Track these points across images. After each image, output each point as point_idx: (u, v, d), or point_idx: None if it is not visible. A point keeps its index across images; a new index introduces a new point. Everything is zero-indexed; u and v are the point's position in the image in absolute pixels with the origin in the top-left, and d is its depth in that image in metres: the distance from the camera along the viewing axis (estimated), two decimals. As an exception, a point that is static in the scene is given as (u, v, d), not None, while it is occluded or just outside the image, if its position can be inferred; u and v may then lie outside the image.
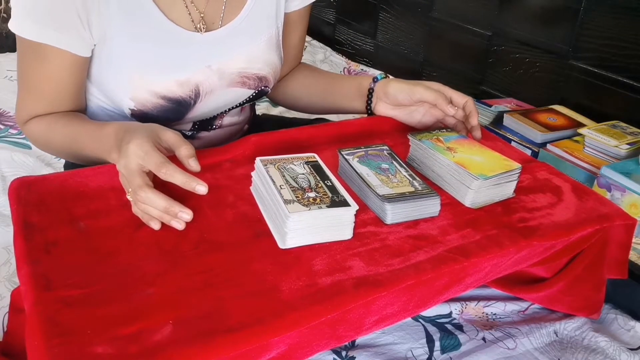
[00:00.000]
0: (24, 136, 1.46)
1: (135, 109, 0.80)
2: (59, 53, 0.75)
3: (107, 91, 0.82)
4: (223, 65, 0.84)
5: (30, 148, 1.42)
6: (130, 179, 0.65)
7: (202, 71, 0.82)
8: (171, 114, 0.82)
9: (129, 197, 0.67)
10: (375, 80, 0.95)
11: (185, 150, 0.66)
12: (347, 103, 0.98)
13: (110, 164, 0.77)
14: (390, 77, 0.98)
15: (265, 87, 0.92)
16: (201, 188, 0.63)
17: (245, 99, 0.92)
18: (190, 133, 0.92)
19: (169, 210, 0.64)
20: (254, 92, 0.91)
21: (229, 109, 0.93)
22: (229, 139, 0.97)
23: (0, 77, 1.83)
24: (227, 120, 0.95)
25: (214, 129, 0.95)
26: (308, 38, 2.43)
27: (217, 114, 0.92)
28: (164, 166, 0.63)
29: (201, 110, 0.86)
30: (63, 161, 1.37)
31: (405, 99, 0.91)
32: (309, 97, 1.01)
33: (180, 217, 0.65)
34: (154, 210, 0.64)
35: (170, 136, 0.67)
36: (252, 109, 1.07)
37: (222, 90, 0.86)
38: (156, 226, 0.66)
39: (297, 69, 1.06)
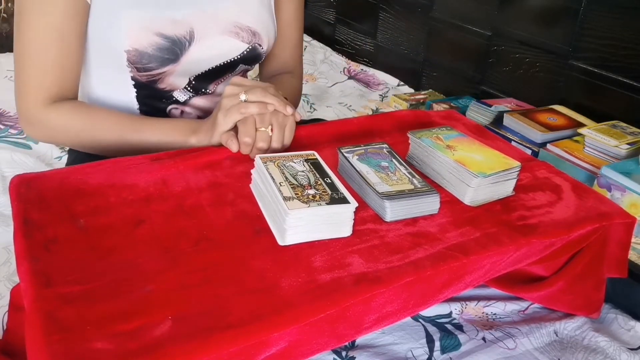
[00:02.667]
0: (24, 136, 1.46)
1: (131, 48, 0.81)
2: None
3: (103, 43, 0.82)
4: (217, 10, 0.86)
5: (30, 148, 1.42)
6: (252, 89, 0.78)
7: (196, 13, 0.84)
8: (166, 52, 0.83)
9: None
10: None
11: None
12: None
13: (110, 161, 0.78)
14: None
15: (259, 44, 0.93)
16: (290, 109, 0.79)
17: (239, 54, 0.92)
18: (186, 96, 0.92)
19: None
20: (248, 48, 0.92)
21: (225, 65, 0.92)
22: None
23: (0, 77, 1.83)
24: (221, 88, 0.95)
25: (209, 93, 0.94)
26: (308, 38, 2.43)
27: (213, 69, 0.91)
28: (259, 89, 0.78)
29: (196, 55, 0.86)
30: (64, 162, 1.38)
31: None
32: None
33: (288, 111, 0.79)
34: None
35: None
36: None
37: (216, 38, 0.87)
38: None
39: (289, 75, 1.06)
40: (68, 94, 0.83)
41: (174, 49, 0.83)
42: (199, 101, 0.94)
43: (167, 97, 0.90)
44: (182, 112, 0.93)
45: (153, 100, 0.90)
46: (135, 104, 0.90)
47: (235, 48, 0.91)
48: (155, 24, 0.81)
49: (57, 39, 0.78)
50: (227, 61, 0.92)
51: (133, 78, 0.85)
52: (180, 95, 0.91)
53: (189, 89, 0.91)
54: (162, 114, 0.92)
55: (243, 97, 0.78)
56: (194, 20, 0.84)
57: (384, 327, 0.72)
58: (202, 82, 0.92)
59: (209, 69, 0.90)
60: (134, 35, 0.80)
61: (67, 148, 1.44)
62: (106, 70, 0.86)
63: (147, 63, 0.82)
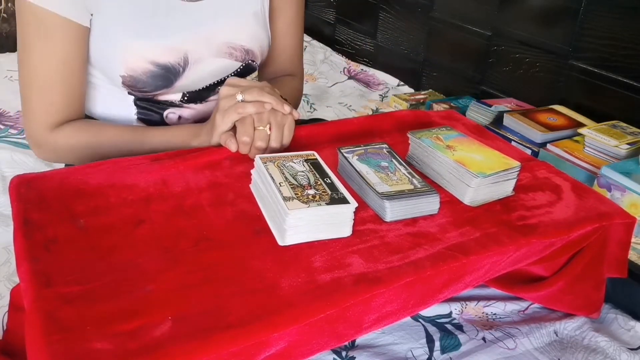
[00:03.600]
0: (23, 136, 1.46)
1: (126, 74, 0.82)
2: (61, 24, 0.77)
3: (99, 63, 0.84)
4: (211, 34, 0.87)
5: (30, 148, 1.41)
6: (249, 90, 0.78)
7: (191, 38, 0.85)
8: (160, 80, 0.84)
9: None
10: None
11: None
12: None
13: (110, 161, 0.78)
14: None
15: (252, 61, 0.94)
16: (287, 108, 0.79)
17: (233, 72, 0.93)
18: (179, 102, 0.92)
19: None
20: (242, 65, 0.93)
21: (219, 82, 0.93)
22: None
23: (0, 77, 1.83)
24: (216, 96, 0.96)
25: (205, 102, 0.95)
26: (308, 38, 2.43)
27: (207, 86, 0.92)
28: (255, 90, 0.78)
29: (190, 78, 0.87)
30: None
31: None
32: None
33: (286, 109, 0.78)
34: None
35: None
36: None
37: (210, 60, 0.88)
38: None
39: (290, 77, 1.06)
40: (74, 115, 0.85)
41: (168, 76, 0.85)
42: (197, 105, 0.94)
43: (164, 105, 0.91)
44: (179, 116, 0.93)
45: (151, 105, 0.91)
46: (133, 110, 0.90)
47: (229, 67, 0.92)
48: (149, 52, 0.82)
49: (60, 65, 0.79)
50: (220, 79, 0.93)
51: (130, 93, 0.87)
52: (175, 101, 0.92)
53: (184, 99, 0.92)
54: (158, 118, 0.92)
55: (240, 97, 0.78)
56: (188, 45, 0.85)
57: (384, 327, 0.72)
58: (197, 95, 0.93)
59: (202, 87, 0.92)
60: (128, 62, 0.82)
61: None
62: (104, 85, 0.88)
63: (142, 87, 0.84)
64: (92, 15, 0.80)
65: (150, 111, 0.91)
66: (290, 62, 1.06)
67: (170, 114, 0.92)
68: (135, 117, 0.91)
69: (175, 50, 0.84)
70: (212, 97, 0.95)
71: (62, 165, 1.33)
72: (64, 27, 0.77)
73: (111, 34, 0.81)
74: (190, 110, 0.94)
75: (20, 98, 0.83)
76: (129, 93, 0.87)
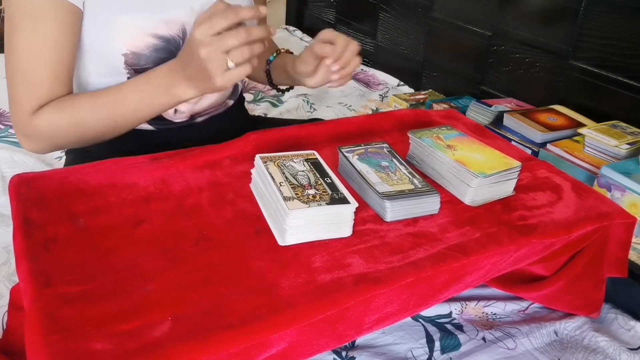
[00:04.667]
0: (24, 136, 1.46)
1: (128, 51, 0.81)
2: (52, 4, 0.75)
3: (99, 47, 0.82)
4: (204, 6, 0.86)
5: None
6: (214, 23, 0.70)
7: (186, 12, 0.85)
8: (162, 52, 0.83)
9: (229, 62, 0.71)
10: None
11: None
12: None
13: (110, 160, 0.77)
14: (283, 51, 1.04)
15: None
16: (264, 9, 0.73)
17: None
18: None
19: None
20: None
21: None
22: (215, 108, 0.98)
23: (0, 77, 1.82)
24: None
25: None
26: (308, 38, 2.43)
27: None
28: (230, 11, 0.70)
29: None
30: (63, 161, 1.38)
31: (303, 66, 0.92)
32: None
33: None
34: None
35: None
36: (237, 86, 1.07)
37: None
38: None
39: None
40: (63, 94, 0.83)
41: (169, 48, 0.84)
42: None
43: None
44: (175, 110, 0.93)
45: None
46: None
47: None
48: (149, 26, 0.81)
49: (51, 50, 0.77)
50: None
51: (129, 79, 0.86)
52: None
53: None
54: None
55: (231, 64, 0.72)
56: (183, 18, 0.85)
57: (384, 327, 0.72)
58: None
59: None
60: (130, 38, 0.81)
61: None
62: (101, 73, 0.86)
63: (145, 64, 0.83)
64: None
65: None
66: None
67: None
68: None
69: (172, 23, 0.83)
70: None
71: (62, 165, 1.33)
72: (56, 8, 0.75)
73: (108, 13, 0.79)
74: (186, 104, 0.94)
75: (8, 88, 0.81)
76: (130, 78, 0.85)
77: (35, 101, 0.79)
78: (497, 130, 1.39)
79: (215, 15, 0.70)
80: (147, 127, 0.90)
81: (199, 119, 0.95)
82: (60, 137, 0.82)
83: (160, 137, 0.91)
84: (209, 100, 0.95)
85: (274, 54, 1.04)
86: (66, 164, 0.99)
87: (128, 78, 0.85)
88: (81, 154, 0.91)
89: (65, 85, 0.82)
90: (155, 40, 0.82)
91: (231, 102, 1.04)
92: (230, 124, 1.00)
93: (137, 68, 0.83)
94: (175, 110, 0.93)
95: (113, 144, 0.85)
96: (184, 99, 0.79)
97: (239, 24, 0.72)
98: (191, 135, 0.93)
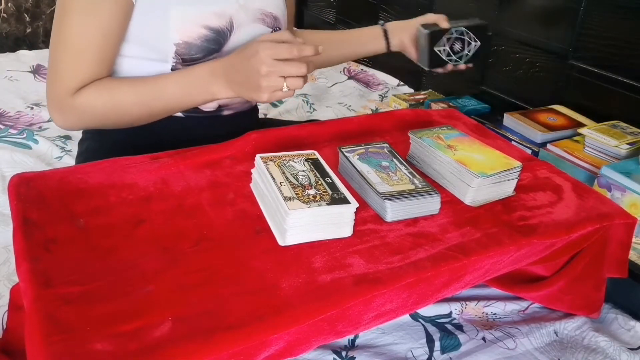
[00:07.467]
0: (23, 136, 1.46)
1: (181, 41, 0.85)
2: None
3: (150, 36, 0.86)
4: (247, 1, 0.93)
5: (30, 148, 1.41)
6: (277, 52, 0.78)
7: (232, 5, 0.90)
8: (212, 43, 0.88)
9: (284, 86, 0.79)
10: (381, 24, 1.15)
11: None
12: (363, 48, 1.16)
13: (110, 160, 0.77)
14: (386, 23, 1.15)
15: (278, 28, 1.00)
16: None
17: None
18: None
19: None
20: (271, 32, 0.98)
21: None
22: (241, 104, 0.99)
23: (0, 77, 1.82)
24: None
25: None
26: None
27: None
28: (294, 48, 0.78)
29: (235, 42, 0.92)
30: (64, 161, 1.38)
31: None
32: (325, 50, 1.09)
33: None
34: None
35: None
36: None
37: (249, 25, 0.93)
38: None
39: (298, 33, 1.15)
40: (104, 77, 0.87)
41: (218, 39, 0.88)
42: None
43: None
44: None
45: None
46: None
47: (263, 33, 0.96)
48: (201, 17, 0.86)
49: (100, 38, 0.82)
50: None
51: (173, 69, 0.89)
52: None
53: None
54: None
55: (285, 89, 0.80)
56: (231, 11, 0.90)
57: (382, 323, 0.72)
58: None
59: None
60: (183, 29, 0.85)
61: (71, 145, 1.44)
62: (147, 59, 0.90)
63: (195, 54, 0.87)
64: None
65: None
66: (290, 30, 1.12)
67: None
68: None
69: (221, 15, 0.88)
70: None
71: (61, 165, 1.33)
72: (112, 1, 0.80)
73: (163, 4, 0.84)
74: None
75: (49, 62, 0.84)
76: (173, 69, 0.88)
77: (79, 80, 0.83)
78: (497, 130, 1.39)
79: (282, 47, 0.78)
80: (176, 113, 0.92)
81: (226, 112, 0.96)
82: (94, 117, 0.86)
83: (186, 126, 0.93)
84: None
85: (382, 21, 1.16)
86: (78, 155, 0.99)
87: (172, 67, 0.88)
88: (93, 144, 0.94)
89: (108, 70, 0.86)
90: (207, 31, 0.87)
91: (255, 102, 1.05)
92: (251, 122, 1.03)
93: (186, 57, 0.87)
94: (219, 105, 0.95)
95: (133, 131, 0.88)
96: (219, 98, 0.86)
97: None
98: (216, 130, 0.95)
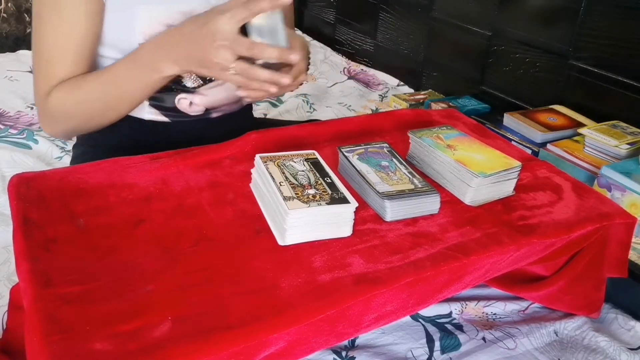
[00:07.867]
0: (23, 136, 1.46)
1: (145, 41, 0.83)
2: None
3: (118, 35, 0.85)
4: (221, 0, 0.87)
5: (30, 148, 1.41)
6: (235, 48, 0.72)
7: (203, 5, 0.86)
8: None
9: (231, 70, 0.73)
10: None
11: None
12: None
13: (110, 160, 0.77)
14: None
15: None
16: (295, 57, 0.73)
17: None
18: (195, 84, 0.92)
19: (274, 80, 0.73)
20: None
21: None
22: (229, 105, 0.98)
23: (0, 77, 1.82)
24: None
25: (213, 87, 0.95)
26: (308, 38, 2.43)
27: None
28: (255, 46, 0.71)
29: None
30: (64, 161, 1.38)
31: None
32: None
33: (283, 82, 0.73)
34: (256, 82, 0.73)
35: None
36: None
37: None
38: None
39: None
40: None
41: None
42: (208, 91, 0.94)
43: (176, 83, 0.91)
44: (190, 102, 0.94)
45: (163, 91, 0.91)
46: None
47: None
48: (168, 17, 0.84)
49: (72, 40, 0.80)
50: None
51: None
52: (189, 82, 0.92)
53: (198, 76, 0.92)
54: (170, 103, 0.92)
55: (232, 71, 0.75)
56: (199, 10, 0.86)
57: (383, 325, 0.72)
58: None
59: None
60: (148, 29, 0.83)
61: (71, 145, 1.44)
62: (116, 60, 0.88)
63: None
64: None
65: (162, 98, 0.91)
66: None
67: (182, 99, 0.93)
68: (147, 102, 0.91)
69: (187, 15, 0.85)
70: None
71: (61, 165, 1.33)
72: (83, 2, 0.79)
73: (130, 4, 0.82)
74: (202, 97, 0.94)
75: (33, 74, 0.84)
76: None
77: (52, 84, 0.82)
78: (497, 130, 1.39)
79: (236, 6, 0.73)
80: (162, 119, 0.91)
81: (214, 114, 0.95)
82: (68, 118, 0.85)
83: (176, 131, 0.92)
84: (224, 93, 0.95)
85: None
86: (72, 159, 0.99)
87: None
88: (88, 148, 0.92)
89: (85, 72, 0.84)
90: None
91: (246, 102, 1.04)
92: (244, 123, 1.01)
93: None
94: (191, 103, 0.94)
95: (125, 136, 0.87)
96: (167, 74, 0.80)
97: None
98: (206, 132, 0.93)
